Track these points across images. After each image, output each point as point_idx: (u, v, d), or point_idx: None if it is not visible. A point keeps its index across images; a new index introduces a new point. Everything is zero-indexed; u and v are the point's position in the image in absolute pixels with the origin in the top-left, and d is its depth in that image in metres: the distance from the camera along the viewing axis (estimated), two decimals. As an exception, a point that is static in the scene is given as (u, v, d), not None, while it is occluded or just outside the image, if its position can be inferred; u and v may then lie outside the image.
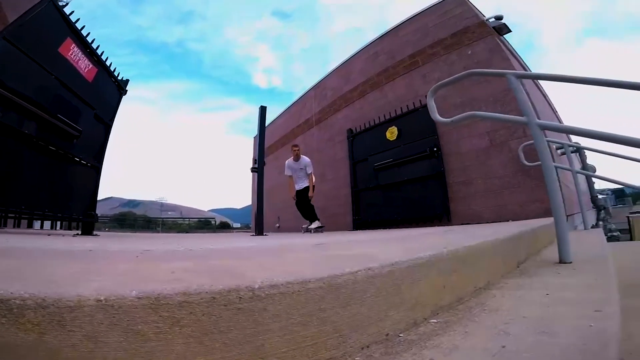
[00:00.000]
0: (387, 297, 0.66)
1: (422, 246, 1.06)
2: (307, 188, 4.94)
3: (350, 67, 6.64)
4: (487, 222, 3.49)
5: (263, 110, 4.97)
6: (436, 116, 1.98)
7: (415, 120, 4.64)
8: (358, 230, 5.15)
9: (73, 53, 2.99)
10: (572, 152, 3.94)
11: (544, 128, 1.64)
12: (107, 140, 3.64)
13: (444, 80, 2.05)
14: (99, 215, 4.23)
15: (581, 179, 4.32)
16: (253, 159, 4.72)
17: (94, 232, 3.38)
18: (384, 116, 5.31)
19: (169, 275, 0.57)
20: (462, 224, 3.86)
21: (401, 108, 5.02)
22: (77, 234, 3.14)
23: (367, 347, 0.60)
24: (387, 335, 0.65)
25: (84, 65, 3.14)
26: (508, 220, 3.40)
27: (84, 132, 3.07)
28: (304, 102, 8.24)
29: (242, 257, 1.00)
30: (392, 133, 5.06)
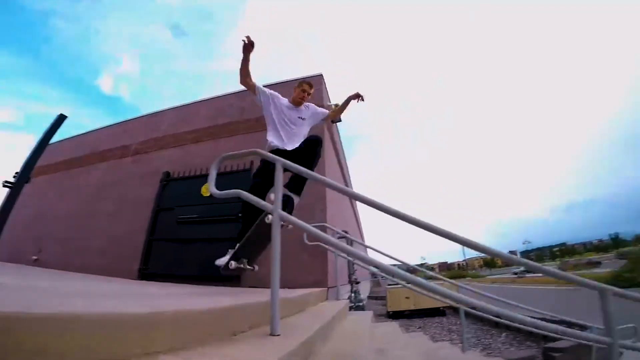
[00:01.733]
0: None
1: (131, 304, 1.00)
2: (310, 145, 2.71)
3: (196, 109, 6.46)
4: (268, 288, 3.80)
5: (61, 119, 3.98)
6: (212, 187, 2.13)
7: (232, 183, 4.84)
8: (142, 281, 4.42)
9: None
10: (338, 238, 5.15)
11: (284, 219, 1.98)
12: None
13: (230, 153, 2.29)
14: None
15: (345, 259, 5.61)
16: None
17: None
18: (207, 169, 5.27)
19: None
20: (249, 287, 4.04)
21: (225, 166, 5.14)
22: None
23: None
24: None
25: None
26: (286, 288, 3.84)
27: None
28: (130, 126, 7.16)
29: None
30: (207, 189, 5.01)
